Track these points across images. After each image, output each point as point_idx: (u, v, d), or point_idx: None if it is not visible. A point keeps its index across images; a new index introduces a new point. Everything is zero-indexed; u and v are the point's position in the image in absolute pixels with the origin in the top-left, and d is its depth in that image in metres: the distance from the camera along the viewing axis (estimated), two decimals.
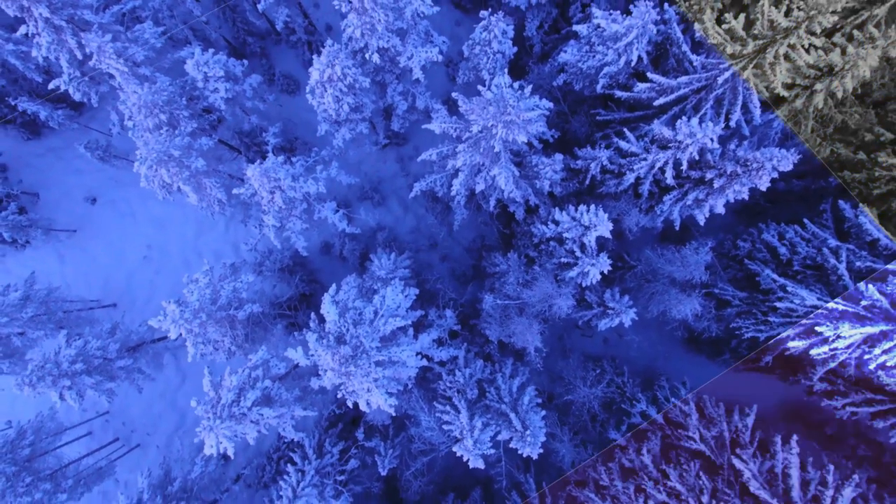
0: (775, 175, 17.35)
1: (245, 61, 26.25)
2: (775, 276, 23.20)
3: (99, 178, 38.20)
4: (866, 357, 23.28)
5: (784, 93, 17.81)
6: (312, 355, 18.70)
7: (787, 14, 15.79)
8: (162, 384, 37.29)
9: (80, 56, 22.12)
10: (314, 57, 21.89)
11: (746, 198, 19.19)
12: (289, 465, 24.88)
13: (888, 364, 23.45)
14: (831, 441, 33.49)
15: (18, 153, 38.83)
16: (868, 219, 21.35)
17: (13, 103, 30.78)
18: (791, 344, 22.12)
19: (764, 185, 17.65)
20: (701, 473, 25.99)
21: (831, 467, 23.87)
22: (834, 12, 14.70)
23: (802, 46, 15.84)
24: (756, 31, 16.69)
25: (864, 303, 19.86)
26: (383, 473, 26.60)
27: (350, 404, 18.72)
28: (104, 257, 38.28)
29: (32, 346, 30.58)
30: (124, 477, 37.17)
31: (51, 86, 23.89)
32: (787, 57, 16.66)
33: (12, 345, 29.36)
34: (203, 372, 37.54)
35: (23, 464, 27.74)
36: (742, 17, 18.06)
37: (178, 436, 37.23)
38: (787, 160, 16.63)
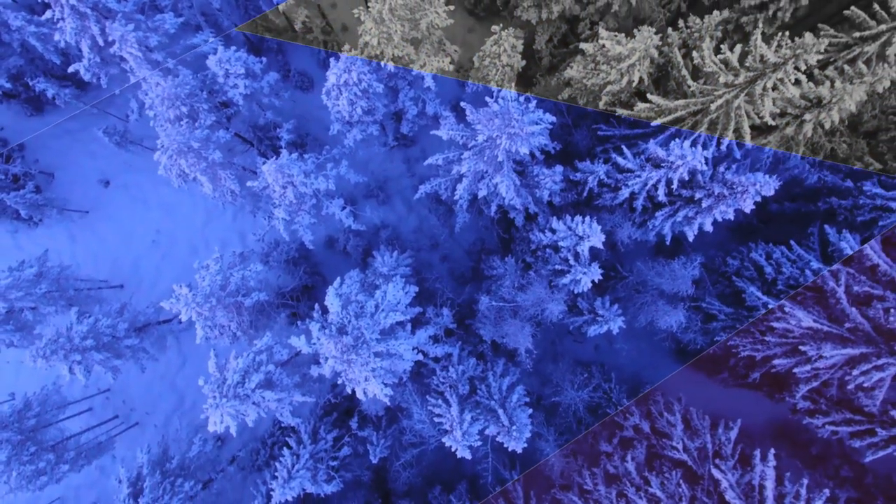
0: (758, 199, 18.45)
1: (263, 58, 27.36)
2: (759, 294, 24.28)
3: (113, 162, 39.28)
4: (847, 378, 24.34)
5: (772, 122, 18.91)
6: (315, 343, 19.78)
7: (776, 50, 16.86)
8: (163, 366, 38.34)
9: (101, 42, 23.13)
10: (331, 60, 23.02)
11: (732, 218, 20.27)
12: (284, 448, 25.96)
13: (865, 385, 24.55)
14: (816, 461, 34.51)
15: (19, 128, 39.80)
16: (849, 244, 22.42)
17: (31, 83, 31.77)
18: (777, 361, 23.17)
19: (748, 207, 18.74)
20: (682, 482, 27.04)
21: (805, 481, 24.98)
22: (818, 52, 15.80)
23: (789, 80, 16.89)
24: (748, 64, 17.79)
25: (847, 325, 20.92)
26: (374, 462, 27.68)
27: (349, 390, 19.80)
28: (114, 239, 39.36)
29: (42, 321, 31.65)
30: (122, 453, 38.22)
31: (70, 69, 24.82)
32: (775, 89, 17.73)
33: (23, 319, 30.43)
34: (203, 357, 38.83)
35: (28, 434, 28.84)
36: (739, 47, 19.13)
37: (176, 416, 38.31)
38: (769, 186, 17.71)
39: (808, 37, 15.68)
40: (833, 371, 25.48)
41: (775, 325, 22.84)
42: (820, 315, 22.30)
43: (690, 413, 28.12)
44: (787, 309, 22.39)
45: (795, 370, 22.74)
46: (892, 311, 20.16)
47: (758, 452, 25.45)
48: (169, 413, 39.01)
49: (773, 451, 25.28)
